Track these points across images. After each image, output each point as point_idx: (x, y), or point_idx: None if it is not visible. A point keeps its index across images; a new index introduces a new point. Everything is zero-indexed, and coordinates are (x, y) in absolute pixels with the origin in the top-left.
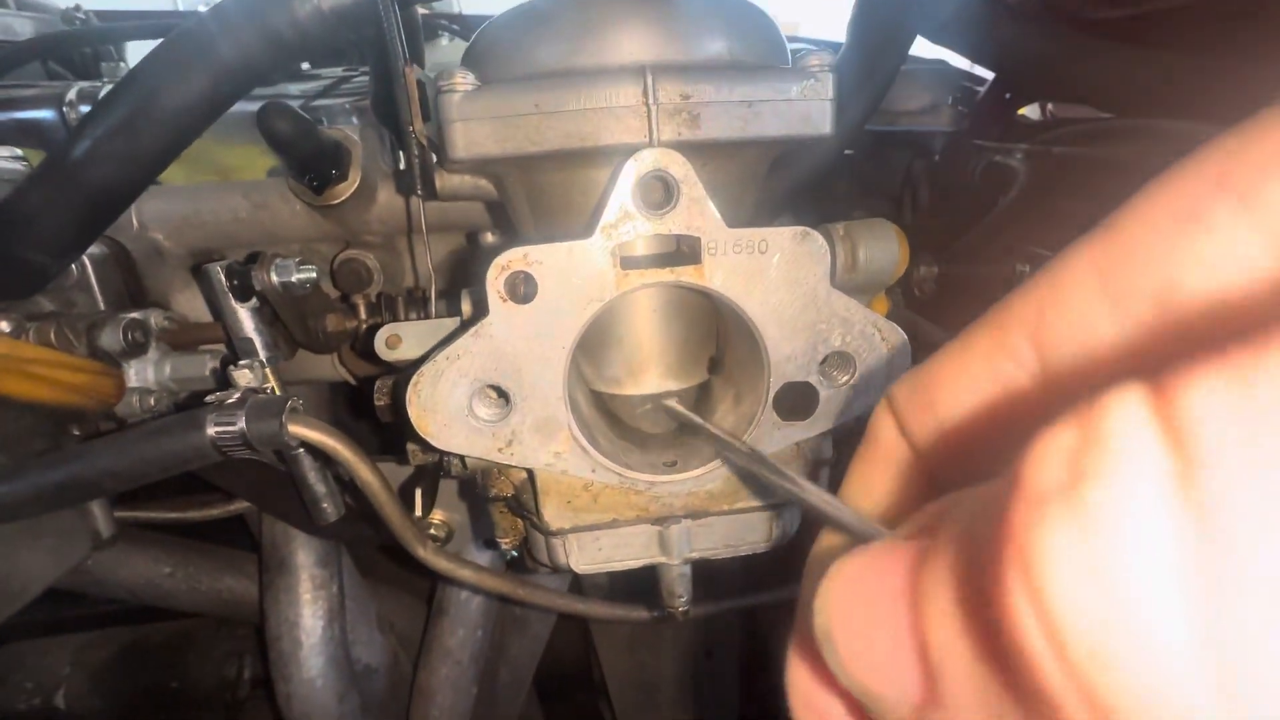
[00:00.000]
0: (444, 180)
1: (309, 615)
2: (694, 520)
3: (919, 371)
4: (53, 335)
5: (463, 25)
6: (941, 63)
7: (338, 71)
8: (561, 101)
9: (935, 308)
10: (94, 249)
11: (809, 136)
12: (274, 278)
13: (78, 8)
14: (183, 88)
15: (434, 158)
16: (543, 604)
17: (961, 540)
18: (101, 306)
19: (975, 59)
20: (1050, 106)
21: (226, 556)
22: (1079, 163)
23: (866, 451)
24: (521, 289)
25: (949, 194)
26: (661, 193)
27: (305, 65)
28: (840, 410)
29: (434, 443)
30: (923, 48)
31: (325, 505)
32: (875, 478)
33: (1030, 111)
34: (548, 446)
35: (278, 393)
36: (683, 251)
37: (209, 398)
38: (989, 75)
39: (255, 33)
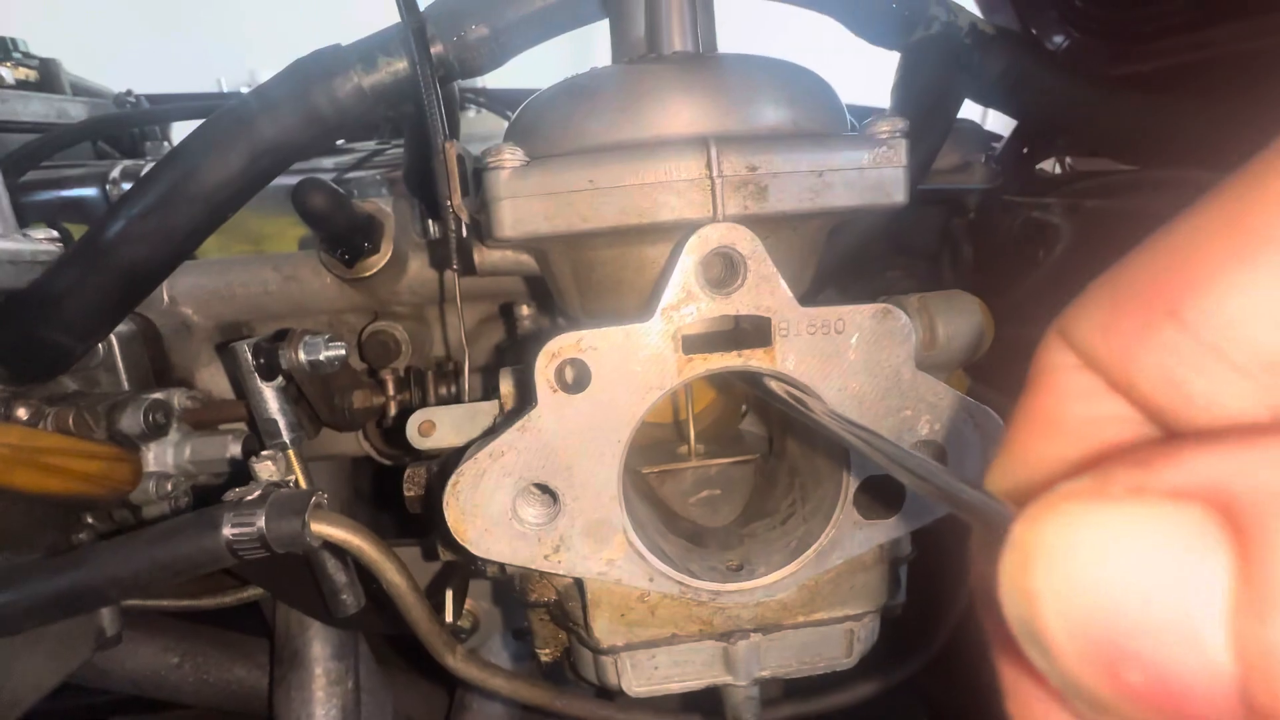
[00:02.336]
0: (483, 256)
1: (321, 715)
2: (764, 634)
3: (1128, 269)
4: (71, 421)
5: (488, 98)
6: (971, 122)
7: (370, 145)
8: (618, 176)
9: (981, 370)
10: (121, 326)
11: (882, 205)
12: (302, 356)
13: (129, 92)
14: (221, 165)
15: (465, 233)
16: (584, 718)
17: None
18: (125, 385)
19: (1020, 117)
20: (1069, 160)
21: (237, 644)
22: (1113, 216)
23: (1031, 421)
24: (573, 377)
25: (989, 251)
26: (725, 270)
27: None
28: (930, 506)
29: (473, 550)
30: None
31: (345, 596)
32: (1054, 449)
33: (1047, 166)
34: (600, 553)
35: (302, 483)
36: (744, 330)
37: (227, 495)
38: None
39: (296, 111)
